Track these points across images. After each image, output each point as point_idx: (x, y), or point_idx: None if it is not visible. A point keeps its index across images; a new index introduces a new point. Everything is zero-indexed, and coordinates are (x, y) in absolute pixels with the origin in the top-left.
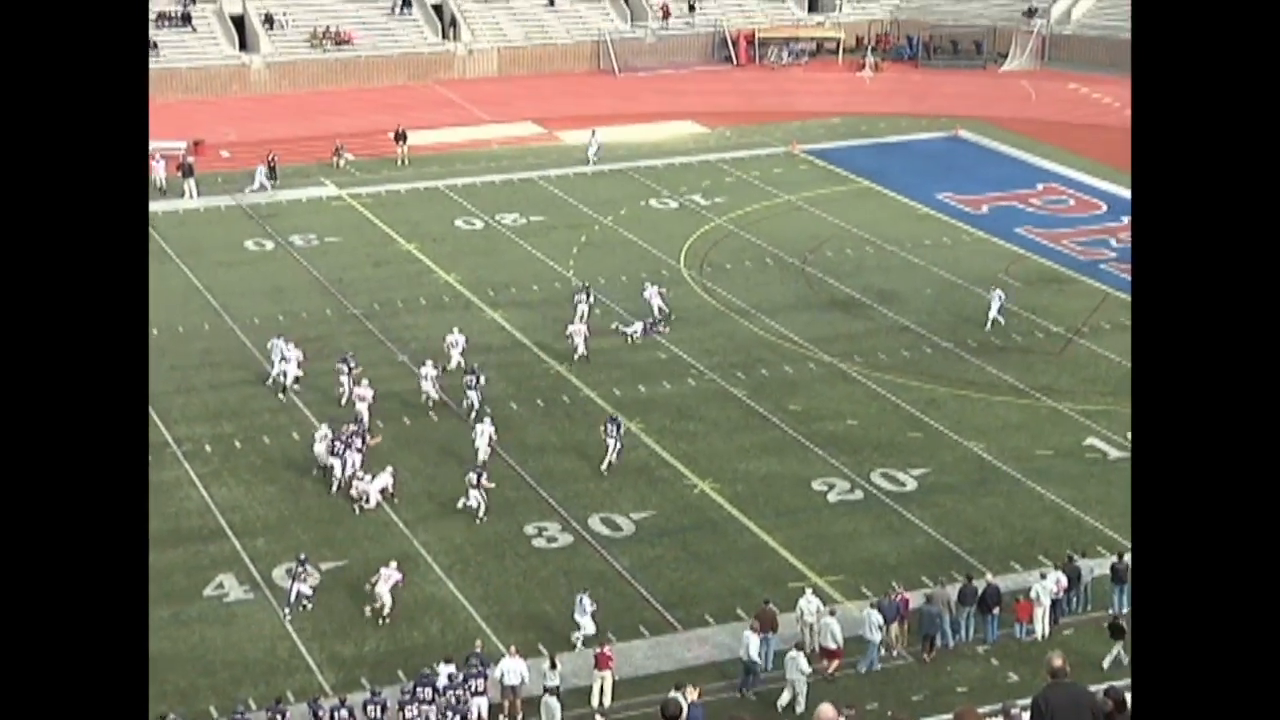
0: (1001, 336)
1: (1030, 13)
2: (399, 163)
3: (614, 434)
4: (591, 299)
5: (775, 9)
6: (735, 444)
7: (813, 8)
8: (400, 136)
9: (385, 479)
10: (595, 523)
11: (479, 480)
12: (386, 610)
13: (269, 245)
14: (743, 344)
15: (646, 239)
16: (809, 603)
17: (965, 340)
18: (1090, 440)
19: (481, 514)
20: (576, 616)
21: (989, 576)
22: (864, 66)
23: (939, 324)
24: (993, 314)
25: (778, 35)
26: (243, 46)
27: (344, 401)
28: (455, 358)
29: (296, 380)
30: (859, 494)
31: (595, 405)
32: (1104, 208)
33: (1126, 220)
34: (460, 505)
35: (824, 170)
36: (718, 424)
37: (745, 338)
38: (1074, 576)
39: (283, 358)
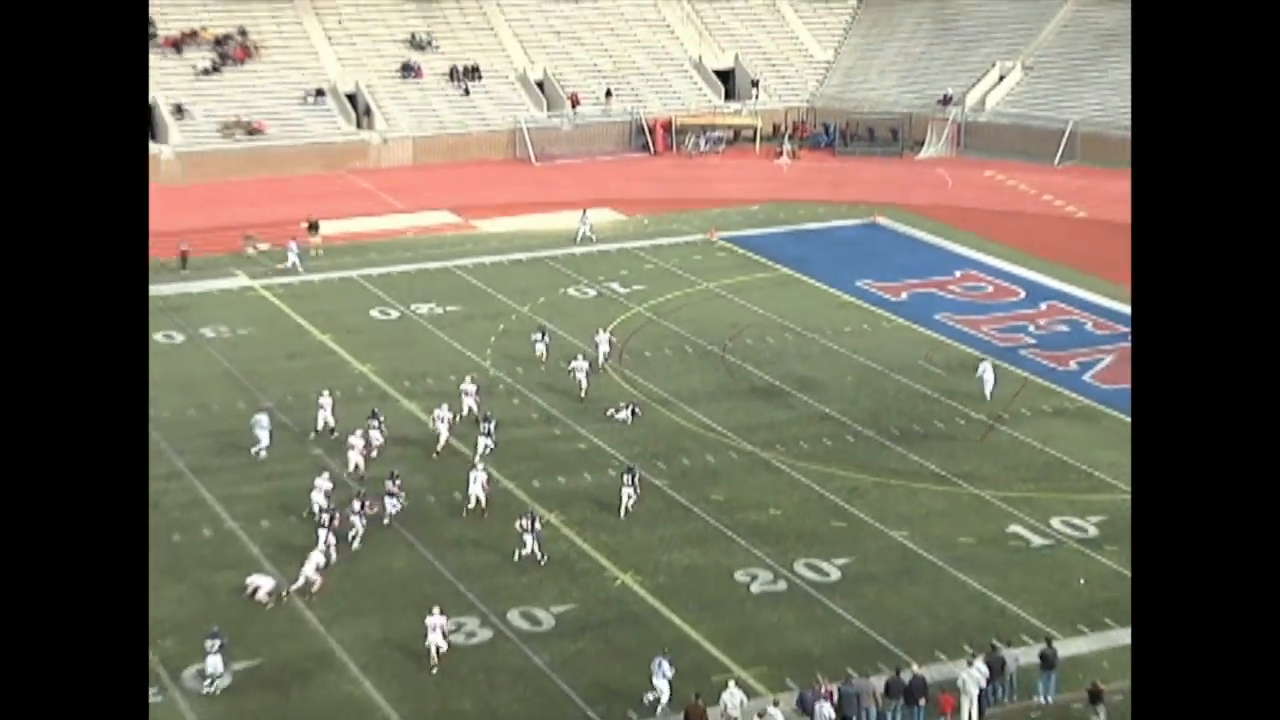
0: (923, 423)
1: (945, 100)
2: (312, 253)
3: (630, 483)
4: (547, 339)
5: (692, 97)
6: (657, 535)
7: (729, 95)
8: (313, 226)
9: (316, 561)
10: (515, 617)
11: (530, 524)
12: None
13: (179, 338)
14: (664, 433)
15: (566, 328)
16: (732, 695)
17: (887, 428)
18: (1013, 528)
19: (537, 554)
20: (655, 680)
21: (915, 667)
22: (781, 154)
23: (860, 411)
24: (989, 388)
25: (695, 123)
26: (153, 137)
27: (374, 455)
28: (468, 404)
29: (332, 430)
30: (782, 584)
31: (514, 498)
32: (1022, 294)
33: (1045, 306)
34: (515, 556)
35: (743, 257)
36: (639, 515)
37: (666, 427)
38: (998, 665)
39: (319, 405)
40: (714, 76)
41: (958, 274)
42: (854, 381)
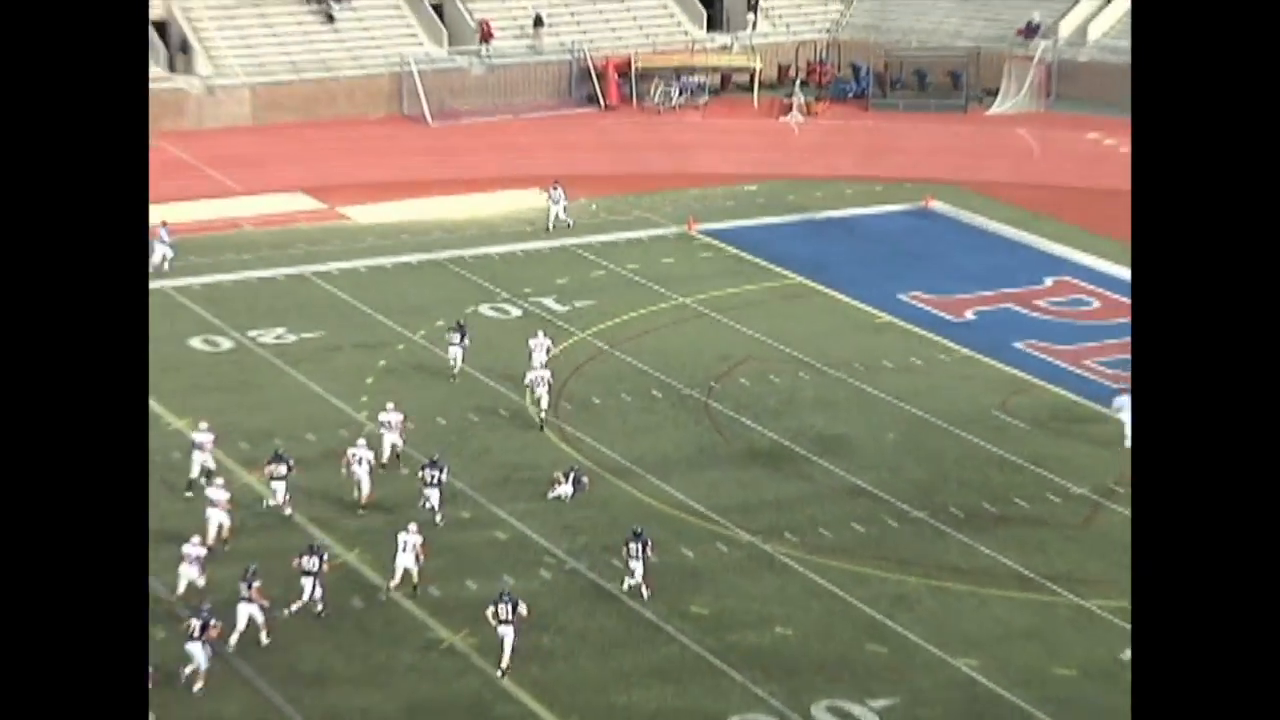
0: (998, 501)
1: (1030, 31)
2: None
3: (637, 554)
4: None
5: (661, 28)
6: (611, 666)
7: (714, 26)
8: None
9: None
10: None
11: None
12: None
13: None
14: (620, 516)
15: (477, 364)
16: None
17: (945, 507)
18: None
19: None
20: None
21: None
22: (790, 109)
23: (907, 484)
24: (1129, 430)
25: (664, 65)
26: None
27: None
28: (390, 441)
29: (397, 456)
30: None
31: (401, 612)
32: None
33: None
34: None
35: (735, 260)
36: (585, 637)
37: (624, 506)
38: None
39: (386, 425)
40: None
41: (1049, 282)
42: (897, 440)
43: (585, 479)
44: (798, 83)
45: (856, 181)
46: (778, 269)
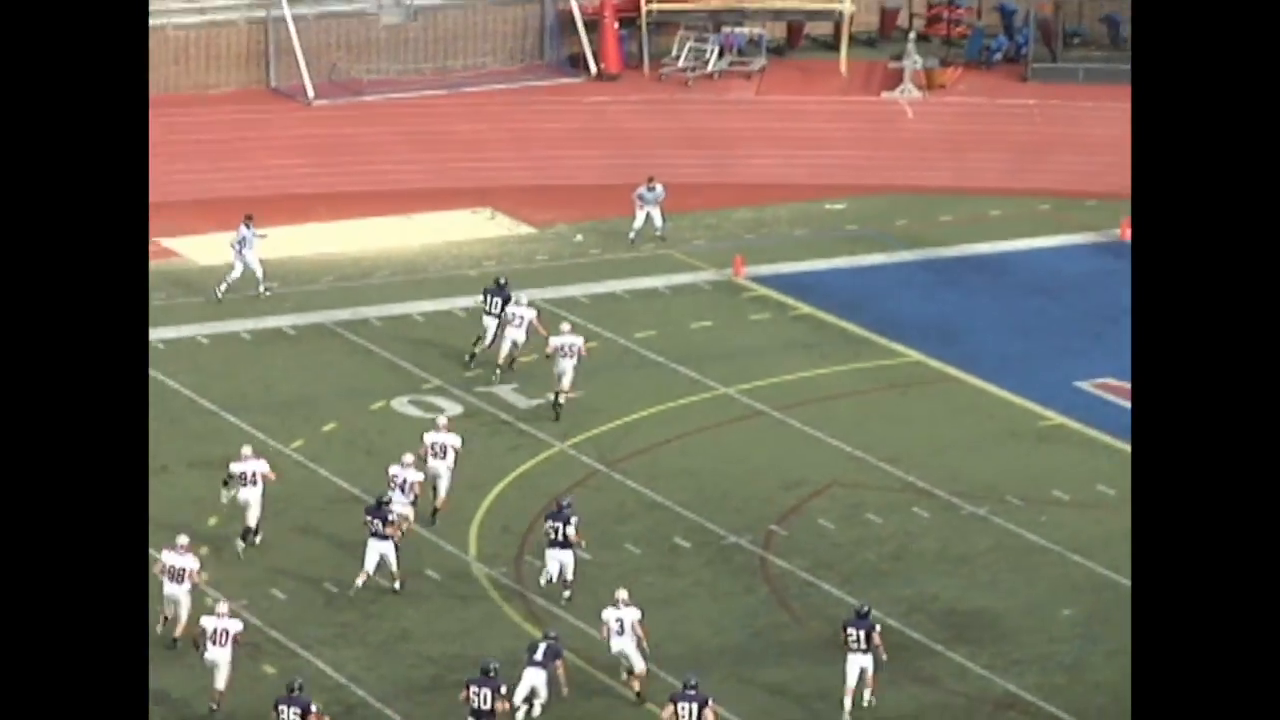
0: None
1: None
2: None
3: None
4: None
5: None
6: None
7: None
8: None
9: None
10: None
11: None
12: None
13: None
14: None
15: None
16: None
17: None
18: None
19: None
20: None
21: None
22: (902, 81)
23: (1091, 691)
24: None
25: (696, 8)
26: None
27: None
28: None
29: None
30: None
31: None
32: None
33: None
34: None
35: (809, 325)
36: None
37: None
38: None
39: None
40: None
41: None
42: (1076, 620)
43: (565, 688)
44: (912, 37)
45: (1009, 197)
46: (881, 340)
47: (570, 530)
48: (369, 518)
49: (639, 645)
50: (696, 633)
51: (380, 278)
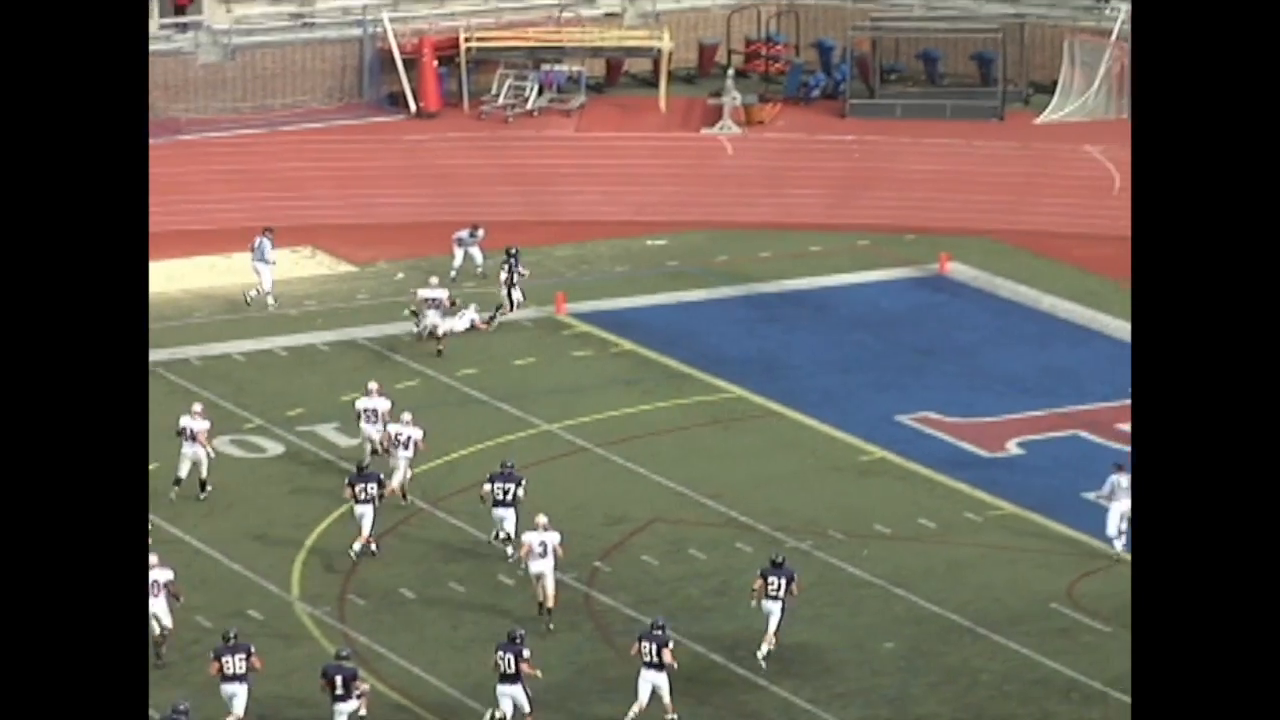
0: None
1: None
2: None
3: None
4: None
5: None
6: None
7: None
8: None
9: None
10: None
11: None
12: None
13: None
14: None
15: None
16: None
17: None
18: None
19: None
20: None
21: None
22: (721, 115)
23: None
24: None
25: (515, 46)
26: None
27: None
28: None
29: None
30: None
31: None
32: None
33: None
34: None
35: (631, 361)
36: None
37: None
38: None
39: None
40: None
41: None
42: (899, 653)
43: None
44: (731, 74)
45: (829, 232)
46: (703, 375)
47: (520, 491)
48: (355, 485)
49: (556, 568)
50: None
51: (200, 317)
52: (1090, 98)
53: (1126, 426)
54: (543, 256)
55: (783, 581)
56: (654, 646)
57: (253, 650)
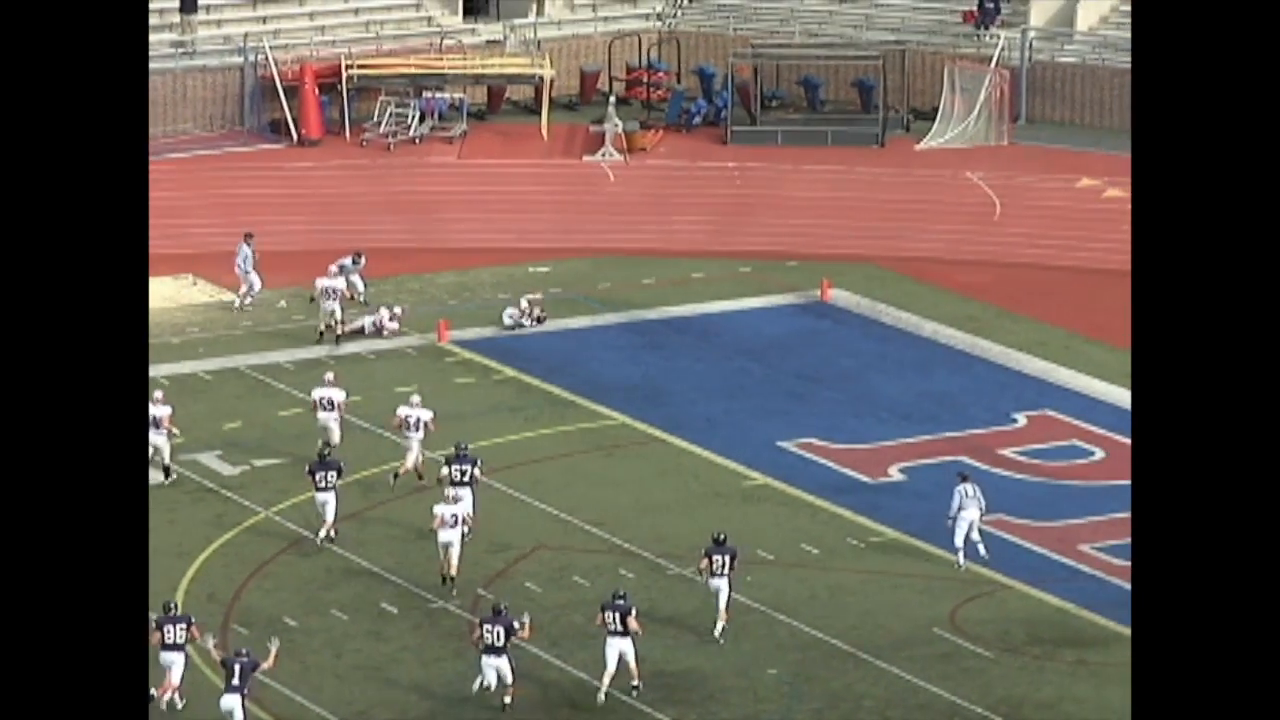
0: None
1: (984, 15)
2: None
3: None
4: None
5: (391, 14)
6: None
7: (473, 12)
8: None
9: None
10: None
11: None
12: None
13: None
14: None
15: None
16: None
17: None
18: None
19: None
20: None
21: None
22: (603, 143)
23: None
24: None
25: (396, 73)
26: None
27: None
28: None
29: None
30: None
31: None
32: None
33: None
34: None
35: (514, 388)
36: None
37: None
38: None
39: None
40: None
41: (1020, 419)
42: (782, 679)
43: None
44: (613, 101)
45: (711, 259)
46: (586, 403)
47: (477, 471)
48: (316, 473)
49: (464, 540)
50: (404, 698)
51: None
52: (971, 124)
53: (1007, 451)
54: (425, 284)
55: (726, 559)
56: (618, 615)
57: (193, 620)
